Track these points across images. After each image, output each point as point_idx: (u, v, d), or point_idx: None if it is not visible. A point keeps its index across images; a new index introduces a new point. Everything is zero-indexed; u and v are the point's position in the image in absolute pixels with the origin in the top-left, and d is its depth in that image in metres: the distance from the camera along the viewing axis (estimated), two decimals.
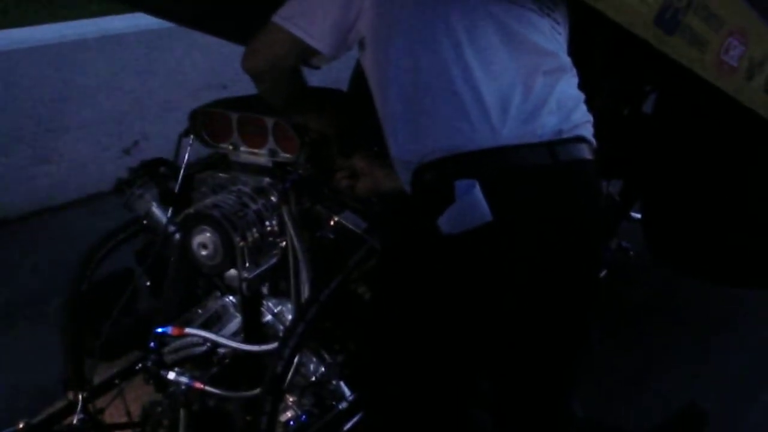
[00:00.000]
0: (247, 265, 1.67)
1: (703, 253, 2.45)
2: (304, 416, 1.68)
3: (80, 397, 1.79)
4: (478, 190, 1.28)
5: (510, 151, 1.32)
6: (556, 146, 1.34)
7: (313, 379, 1.72)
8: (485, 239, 1.30)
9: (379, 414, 1.59)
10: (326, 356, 1.73)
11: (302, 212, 1.71)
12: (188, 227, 1.69)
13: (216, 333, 1.73)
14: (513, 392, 1.58)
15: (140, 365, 1.77)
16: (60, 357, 1.83)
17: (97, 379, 1.86)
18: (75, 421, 1.77)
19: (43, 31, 3.90)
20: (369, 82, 1.48)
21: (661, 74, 2.21)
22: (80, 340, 1.83)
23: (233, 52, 1.60)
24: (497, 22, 1.37)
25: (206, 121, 1.83)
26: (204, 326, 1.77)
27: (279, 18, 1.46)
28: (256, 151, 1.80)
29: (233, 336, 1.76)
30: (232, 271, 1.73)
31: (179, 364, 1.70)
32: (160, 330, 1.70)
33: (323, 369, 1.73)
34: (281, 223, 1.70)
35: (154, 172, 1.89)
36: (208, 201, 1.72)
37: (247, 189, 1.74)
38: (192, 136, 1.84)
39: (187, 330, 1.70)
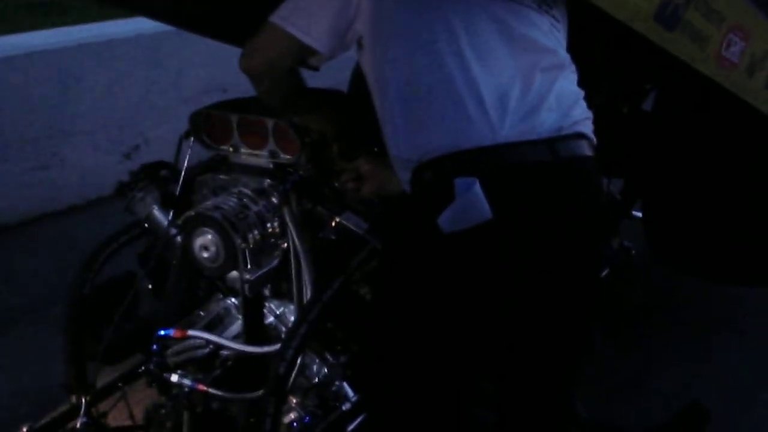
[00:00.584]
0: (249, 266, 1.67)
1: (705, 251, 2.45)
2: (307, 417, 1.68)
3: (83, 400, 1.78)
4: (478, 188, 1.28)
5: (510, 149, 1.32)
6: (556, 143, 1.34)
7: (316, 380, 1.72)
8: (486, 237, 1.30)
9: (382, 415, 1.58)
10: (329, 357, 1.73)
11: (303, 213, 1.71)
12: (189, 229, 1.69)
13: (218, 335, 1.73)
14: (515, 391, 1.58)
15: (143, 368, 1.77)
16: (62, 361, 1.83)
17: (99, 383, 1.86)
18: (78, 425, 1.76)
19: (42, 36, 3.91)
20: (368, 82, 1.48)
21: (660, 71, 2.20)
22: (82, 344, 1.82)
23: (232, 55, 1.60)
24: (496, 19, 1.37)
25: (206, 123, 1.83)
26: (206, 328, 1.76)
27: (277, 18, 1.46)
28: (256, 152, 1.80)
29: (235, 338, 1.76)
30: (234, 273, 1.73)
31: (182, 367, 1.70)
32: (162, 333, 1.69)
33: (326, 370, 1.72)
34: (282, 225, 1.70)
35: (154, 175, 1.90)
36: (209, 203, 1.71)
37: (247, 190, 1.74)
38: (192, 139, 1.84)
39: (190, 332, 1.69)
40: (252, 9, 1.63)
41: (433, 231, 1.30)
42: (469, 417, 1.52)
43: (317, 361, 1.72)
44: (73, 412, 1.79)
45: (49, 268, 3.13)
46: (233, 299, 1.83)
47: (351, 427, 1.67)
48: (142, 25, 3.90)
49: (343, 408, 1.68)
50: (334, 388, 1.72)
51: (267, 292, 1.80)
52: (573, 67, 1.45)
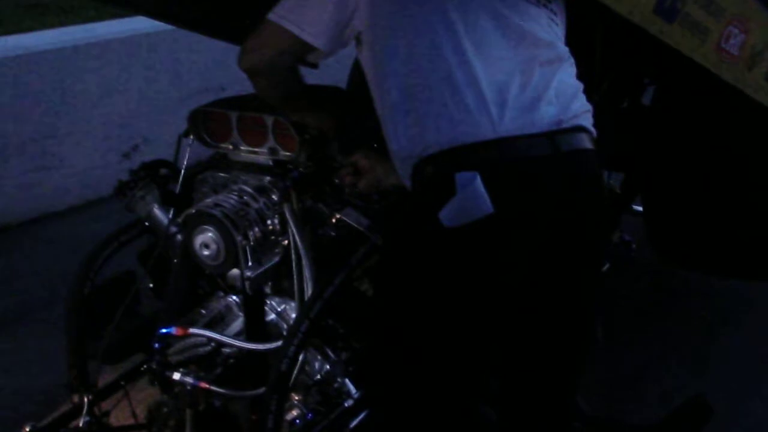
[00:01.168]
0: (250, 264, 1.67)
1: (705, 245, 2.44)
2: (309, 414, 1.68)
3: (85, 399, 1.78)
4: (479, 183, 1.28)
5: (510, 142, 1.32)
6: (556, 136, 1.34)
7: (318, 377, 1.72)
8: (487, 231, 1.30)
9: (384, 411, 1.58)
10: (330, 354, 1.73)
11: (304, 210, 1.71)
12: (190, 227, 1.68)
13: (220, 333, 1.72)
14: (517, 386, 1.58)
15: (145, 367, 1.77)
16: (64, 360, 1.83)
17: (101, 382, 1.86)
18: (81, 424, 1.76)
19: (40, 37, 3.91)
20: (367, 78, 1.48)
21: (660, 65, 2.20)
22: (84, 343, 1.82)
23: (230, 54, 1.60)
24: (494, 13, 1.37)
25: (206, 121, 1.83)
26: (207, 326, 1.76)
27: (275, 15, 1.46)
28: (256, 149, 1.80)
29: (237, 335, 1.76)
30: (235, 271, 1.73)
31: (184, 365, 1.70)
32: (163, 331, 1.69)
33: (328, 367, 1.72)
34: (283, 222, 1.70)
35: (154, 174, 1.89)
36: (210, 200, 1.71)
37: (248, 188, 1.74)
38: (192, 137, 1.84)
39: (191, 330, 1.69)
40: (250, 7, 1.63)
41: (434, 226, 1.30)
42: (472, 413, 1.52)
43: (319, 357, 1.72)
44: (76, 411, 1.79)
45: (50, 268, 3.13)
46: (234, 297, 1.83)
47: (353, 423, 1.67)
48: (140, 24, 3.90)
49: (346, 405, 1.69)
50: (336, 385, 1.72)
51: (268, 289, 1.79)
52: (572, 61, 1.45)
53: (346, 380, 1.71)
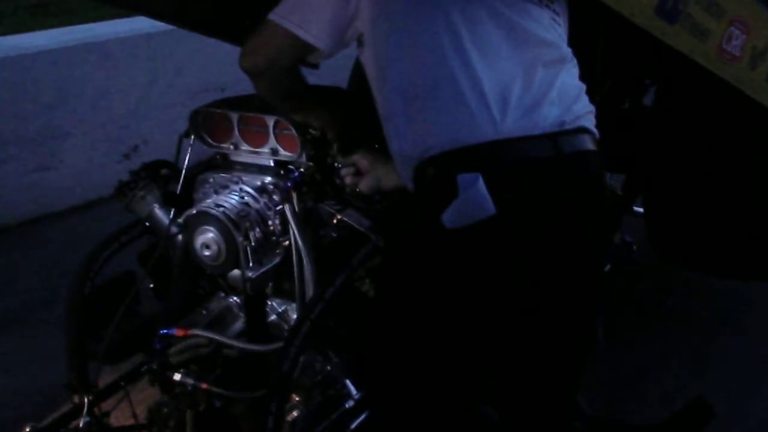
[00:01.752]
0: (251, 264, 1.67)
1: (706, 246, 2.44)
2: (310, 416, 1.68)
3: (86, 400, 1.78)
4: (481, 184, 1.27)
5: (512, 144, 1.31)
6: (559, 138, 1.34)
7: (319, 378, 1.72)
8: (489, 233, 1.30)
9: (385, 412, 1.58)
10: (331, 355, 1.73)
11: (305, 211, 1.71)
12: (191, 228, 1.68)
13: (220, 333, 1.72)
14: (519, 386, 1.58)
15: (145, 367, 1.77)
16: (64, 361, 1.82)
17: (101, 382, 1.85)
18: (81, 425, 1.75)
19: (41, 37, 3.90)
20: (368, 79, 1.48)
21: (661, 66, 2.20)
22: (84, 344, 1.82)
23: (231, 54, 1.60)
24: (496, 13, 1.36)
25: (207, 121, 1.83)
26: (208, 327, 1.76)
27: (276, 16, 1.46)
28: (257, 150, 1.79)
29: (238, 336, 1.76)
30: (236, 271, 1.73)
31: (184, 366, 1.70)
32: (164, 331, 1.69)
33: (329, 368, 1.72)
34: (284, 222, 1.70)
35: (155, 174, 1.89)
36: (211, 201, 1.71)
37: (249, 188, 1.74)
38: (192, 137, 1.84)
39: (192, 331, 1.69)
40: (250, 7, 1.63)
41: (436, 227, 1.30)
42: (473, 413, 1.52)
43: (320, 359, 1.72)
44: (76, 411, 1.79)
45: (50, 269, 3.13)
46: (235, 297, 1.83)
47: (354, 424, 1.67)
48: (140, 24, 3.90)
49: (346, 406, 1.68)
50: (337, 386, 1.71)
51: (269, 290, 1.79)
52: (574, 62, 1.44)
53: (347, 381, 1.71)
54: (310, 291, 1.63)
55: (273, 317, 1.79)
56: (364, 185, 1.67)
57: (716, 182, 2.31)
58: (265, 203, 1.71)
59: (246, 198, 1.71)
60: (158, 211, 1.86)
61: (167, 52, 4.01)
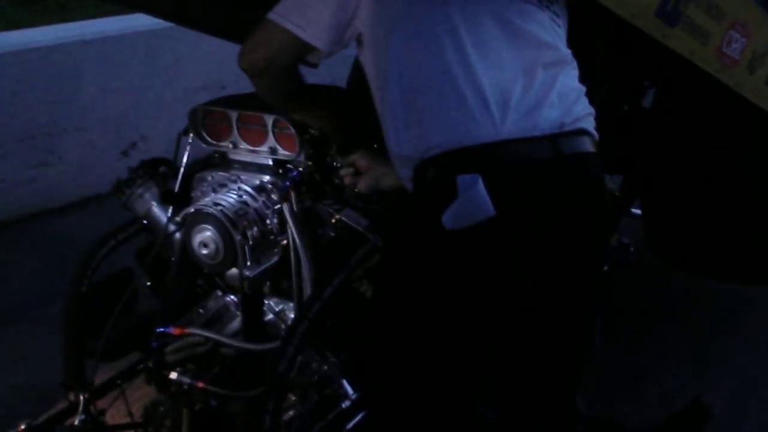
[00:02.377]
0: (249, 263, 1.66)
1: (704, 249, 2.45)
2: (306, 415, 1.68)
3: (81, 398, 1.78)
4: (481, 185, 1.27)
5: (512, 145, 1.31)
6: (559, 139, 1.33)
7: (316, 377, 1.71)
8: (488, 234, 1.29)
9: (382, 412, 1.58)
10: (329, 355, 1.72)
11: (303, 210, 1.70)
12: (189, 226, 1.68)
13: (217, 332, 1.72)
14: (517, 387, 1.58)
15: (141, 366, 1.77)
16: (60, 358, 1.82)
17: (98, 380, 1.85)
18: (77, 423, 1.75)
19: (39, 33, 3.89)
20: (368, 79, 1.47)
21: (661, 68, 2.20)
22: (81, 341, 1.82)
23: (231, 52, 1.60)
24: (496, 15, 1.36)
25: (205, 120, 1.83)
26: (205, 326, 1.76)
27: (275, 15, 1.45)
28: (255, 148, 1.79)
29: (235, 335, 1.76)
30: (233, 270, 1.73)
31: (181, 364, 1.69)
32: (161, 330, 1.69)
33: (326, 368, 1.72)
34: (282, 221, 1.70)
35: (153, 172, 1.89)
36: (209, 199, 1.71)
37: (247, 187, 1.73)
38: (191, 135, 1.83)
39: (189, 330, 1.69)
40: (250, 6, 1.62)
41: (435, 228, 1.30)
42: (471, 414, 1.52)
43: (317, 358, 1.72)
44: (72, 409, 1.79)
45: (47, 266, 3.12)
46: (232, 296, 1.83)
47: (351, 424, 1.67)
48: (139, 21, 3.89)
49: (343, 406, 1.68)
50: (334, 386, 1.71)
51: (266, 289, 1.79)
52: (574, 63, 1.44)
53: (344, 381, 1.71)
54: (307, 290, 1.63)
55: (270, 316, 1.79)
56: (363, 185, 1.67)
57: (714, 184, 2.31)
58: (263, 202, 1.71)
59: (244, 197, 1.71)
60: (156, 209, 1.86)
61: (166, 49, 4.00)
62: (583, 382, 1.61)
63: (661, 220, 2.56)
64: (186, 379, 1.66)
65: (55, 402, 1.86)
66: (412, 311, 1.41)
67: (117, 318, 1.76)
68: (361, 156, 1.66)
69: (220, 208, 1.65)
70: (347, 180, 1.68)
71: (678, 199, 2.44)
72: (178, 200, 1.82)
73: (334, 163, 1.74)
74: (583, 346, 1.54)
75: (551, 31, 1.42)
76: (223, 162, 1.85)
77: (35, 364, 2.44)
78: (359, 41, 1.46)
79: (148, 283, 1.93)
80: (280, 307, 1.80)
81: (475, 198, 1.27)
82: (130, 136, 3.98)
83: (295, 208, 1.67)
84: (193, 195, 1.82)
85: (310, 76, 1.66)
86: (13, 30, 3.98)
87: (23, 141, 3.62)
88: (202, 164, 1.87)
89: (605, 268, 2.18)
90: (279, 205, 1.69)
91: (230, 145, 1.82)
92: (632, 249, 2.78)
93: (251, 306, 1.73)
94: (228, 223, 1.63)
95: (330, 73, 2.13)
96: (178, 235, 1.78)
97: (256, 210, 1.69)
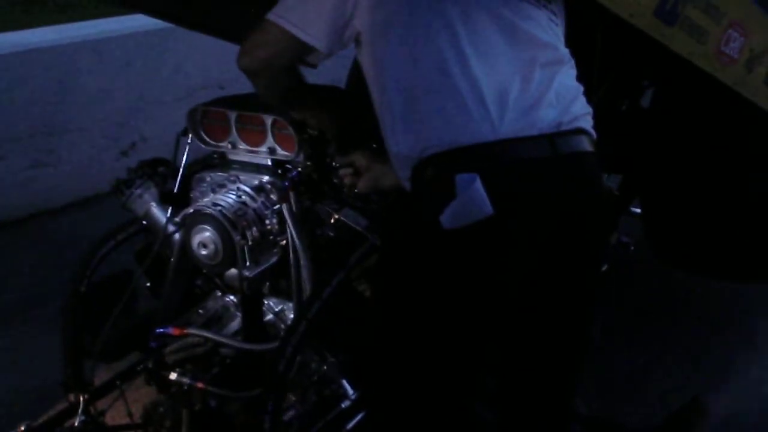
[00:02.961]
0: (248, 263, 1.66)
1: (704, 247, 2.45)
2: (306, 415, 1.68)
3: (81, 399, 1.78)
4: (479, 184, 1.27)
5: (510, 144, 1.31)
6: (556, 138, 1.34)
7: (315, 377, 1.72)
8: (487, 233, 1.30)
9: (381, 412, 1.58)
10: (328, 355, 1.72)
11: (302, 210, 1.71)
12: (188, 226, 1.68)
13: (217, 333, 1.72)
14: (516, 387, 1.58)
15: (141, 366, 1.77)
16: (60, 359, 1.82)
17: (97, 381, 1.85)
18: (76, 423, 1.76)
19: (39, 34, 3.89)
20: (366, 79, 1.47)
21: (659, 68, 2.20)
22: (80, 342, 1.82)
23: (230, 52, 1.60)
24: (494, 14, 1.36)
25: (204, 120, 1.83)
26: (205, 326, 1.76)
27: (274, 15, 1.45)
28: (254, 149, 1.79)
29: (234, 335, 1.76)
30: (233, 270, 1.73)
31: (180, 365, 1.70)
32: (160, 330, 1.69)
33: (325, 367, 1.72)
34: (281, 222, 1.70)
35: (152, 172, 1.89)
36: (208, 200, 1.71)
37: (246, 187, 1.73)
38: (190, 135, 1.83)
39: (188, 330, 1.69)
40: (250, 6, 1.62)
41: (433, 227, 1.30)
42: (469, 413, 1.52)
43: (316, 358, 1.72)
44: (71, 410, 1.79)
45: (46, 266, 3.12)
46: (232, 297, 1.83)
47: (350, 424, 1.67)
48: (138, 22, 3.89)
49: (343, 405, 1.68)
50: (333, 386, 1.71)
51: (266, 289, 1.79)
52: (572, 63, 1.45)
53: (344, 381, 1.71)
54: (307, 290, 1.63)
55: (270, 316, 1.79)
56: (363, 185, 1.67)
57: (713, 183, 2.32)
58: (262, 202, 1.71)
59: (243, 197, 1.71)
60: (155, 210, 1.86)
61: (166, 50, 4.00)
62: (582, 382, 1.61)
63: (660, 219, 2.56)
64: (185, 380, 1.66)
65: (55, 403, 1.86)
66: (410, 310, 1.42)
67: (116, 318, 1.76)
68: (361, 156, 1.66)
69: (219, 208, 1.65)
70: (347, 180, 1.68)
71: (677, 198, 2.44)
72: (177, 201, 1.82)
73: (333, 163, 1.74)
74: (582, 345, 1.54)
75: (549, 31, 1.42)
76: (222, 162, 1.85)
77: (35, 365, 2.44)
78: (358, 41, 1.46)
79: (148, 284, 1.93)
80: (280, 307, 1.80)
81: (473, 197, 1.27)
82: (129, 136, 3.98)
83: (294, 208, 1.67)
84: (192, 195, 1.82)
85: (310, 77, 1.66)
86: (12, 31, 3.98)
87: (22, 141, 3.62)
88: (201, 165, 1.87)
89: (605, 267, 2.19)
90: (278, 206, 1.69)
91: (229, 146, 1.82)
92: (632, 248, 2.78)
93: (250, 306, 1.73)
94: (227, 224, 1.63)
95: (329, 73, 2.13)
96: (177, 235, 1.78)
97: (255, 210, 1.69)
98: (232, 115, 1.79)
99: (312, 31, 1.44)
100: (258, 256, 1.69)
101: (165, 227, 1.81)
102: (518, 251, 1.34)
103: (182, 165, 1.84)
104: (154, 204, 1.86)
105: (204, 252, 1.67)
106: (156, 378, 1.69)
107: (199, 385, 1.65)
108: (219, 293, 1.86)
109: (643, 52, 1.85)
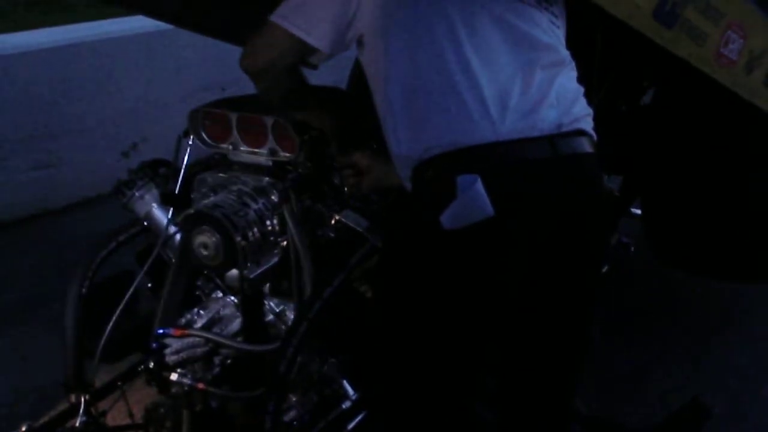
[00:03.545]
0: (249, 264, 1.67)
1: (704, 248, 2.45)
2: (307, 416, 1.68)
3: (82, 399, 1.78)
4: (480, 185, 1.28)
5: (511, 146, 1.32)
6: (557, 140, 1.34)
7: (316, 378, 1.72)
8: (487, 234, 1.30)
9: (382, 412, 1.58)
10: (329, 355, 1.73)
11: (303, 211, 1.71)
12: (189, 227, 1.68)
13: (218, 333, 1.72)
14: (516, 387, 1.58)
15: (142, 367, 1.77)
16: (61, 360, 1.82)
17: (98, 382, 1.85)
18: (77, 424, 1.76)
19: (40, 35, 3.90)
20: (368, 80, 1.48)
21: (659, 69, 2.20)
22: (81, 343, 1.82)
23: (231, 53, 1.60)
24: (496, 16, 1.37)
25: (205, 121, 1.83)
26: (206, 327, 1.76)
27: (277, 17, 1.46)
28: (255, 150, 1.79)
29: (235, 336, 1.76)
30: (234, 271, 1.73)
31: (181, 366, 1.70)
32: (161, 331, 1.69)
33: (326, 368, 1.72)
34: (282, 223, 1.70)
35: (153, 173, 1.89)
36: (209, 201, 1.71)
37: (247, 189, 1.74)
38: (191, 137, 1.84)
39: (189, 331, 1.69)
40: (252, 8, 1.63)
41: (434, 228, 1.30)
42: (469, 413, 1.52)
43: (317, 359, 1.72)
44: (72, 411, 1.79)
45: (47, 267, 3.12)
46: (233, 297, 1.83)
47: (351, 425, 1.67)
48: (140, 23, 3.90)
49: (344, 406, 1.69)
50: (334, 387, 1.72)
51: (267, 290, 1.79)
52: (573, 64, 1.45)
53: (344, 382, 1.71)
54: (307, 291, 1.63)
55: (270, 317, 1.79)
56: (365, 185, 1.68)
57: (713, 184, 2.32)
58: (263, 203, 1.71)
59: (244, 198, 1.71)
60: (156, 211, 1.86)
61: (167, 51, 4.01)
62: (582, 382, 1.62)
63: (660, 220, 2.56)
64: (186, 381, 1.66)
65: (56, 403, 1.86)
66: (410, 311, 1.42)
67: (118, 319, 1.77)
68: (362, 156, 1.67)
69: (220, 209, 1.65)
70: (349, 180, 1.68)
71: (677, 198, 2.44)
72: (178, 202, 1.82)
73: (334, 164, 1.74)
74: (582, 346, 1.54)
75: (550, 33, 1.43)
76: (223, 163, 1.85)
77: (36, 365, 2.44)
78: (360, 42, 1.46)
79: (149, 285, 1.93)
80: (281, 307, 1.80)
81: (474, 198, 1.28)
82: (130, 137, 3.98)
83: (294, 209, 1.67)
84: (193, 196, 1.82)
85: (311, 77, 1.66)
86: (15, 32, 3.99)
87: (24, 142, 3.63)
88: (203, 166, 1.87)
89: (605, 268, 2.19)
90: (279, 206, 1.69)
91: (230, 147, 1.82)
92: (632, 249, 2.78)
93: (251, 307, 1.74)
94: (228, 225, 1.63)
95: (330, 74, 2.13)
96: (178, 236, 1.78)
97: (256, 211, 1.69)
98: (233, 117, 1.79)
99: (315, 33, 1.44)
100: (259, 256, 1.69)
101: (166, 228, 1.81)
102: (518, 252, 1.35)
103: (183, 166, 1.84)
104: (155, 205, 1.86)
105: (205, 253, 1.68)
106: (157, 379, 1.69)
107: (200, 385, 1.65)
108: (220, 294, 1.86)
109: (643, 53, 1.85)
